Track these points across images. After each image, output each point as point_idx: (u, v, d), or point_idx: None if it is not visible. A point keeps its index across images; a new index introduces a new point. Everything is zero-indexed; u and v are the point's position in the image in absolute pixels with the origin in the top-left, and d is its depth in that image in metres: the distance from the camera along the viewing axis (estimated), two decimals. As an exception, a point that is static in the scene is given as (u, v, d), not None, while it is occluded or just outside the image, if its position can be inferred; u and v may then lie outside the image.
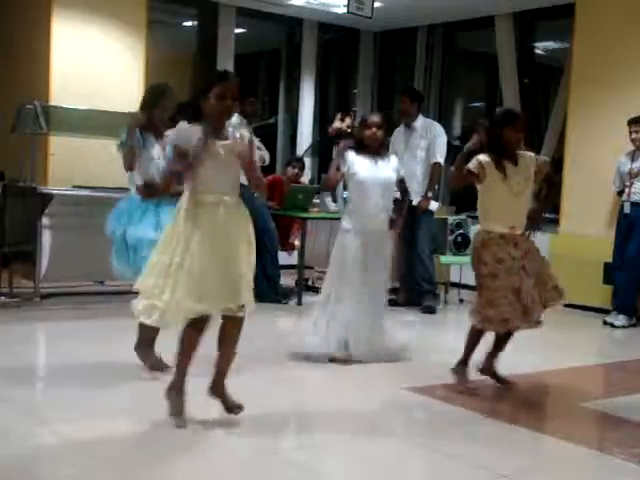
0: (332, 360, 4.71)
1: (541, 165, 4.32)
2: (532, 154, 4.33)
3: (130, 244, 4.17)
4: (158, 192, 3.72)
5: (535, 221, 4.32)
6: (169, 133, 3.53)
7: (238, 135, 3.44)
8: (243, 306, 3.37)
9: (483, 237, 4.23)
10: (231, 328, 3.43)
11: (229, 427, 3.46)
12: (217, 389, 3.51)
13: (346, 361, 4.71)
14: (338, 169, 4.86)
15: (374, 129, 4.84)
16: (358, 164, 4.82)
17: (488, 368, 4.42)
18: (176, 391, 3.45)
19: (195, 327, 3.38)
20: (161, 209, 4.18)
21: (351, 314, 4.75)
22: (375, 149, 4.87)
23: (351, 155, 4.87)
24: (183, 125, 3.40)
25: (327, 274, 4.98)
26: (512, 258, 4.14)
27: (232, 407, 3.49)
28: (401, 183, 5.02)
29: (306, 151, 9.27)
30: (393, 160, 4.97)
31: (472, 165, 4.18)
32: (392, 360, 4.81)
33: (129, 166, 4.29)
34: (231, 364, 3.50)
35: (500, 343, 4.38)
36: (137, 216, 4.21)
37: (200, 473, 3.07)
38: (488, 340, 4.36)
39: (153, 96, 4.40)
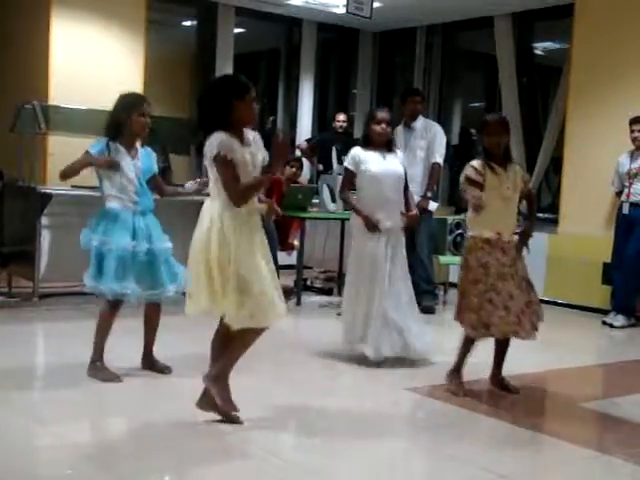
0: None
1: (526, 180, 4.34)
2: (519, 167, 4.36)
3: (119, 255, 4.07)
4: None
5: (526, 240, 4.29)
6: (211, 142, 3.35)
7: (254, 141, 3.44)
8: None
9: (469, 243, 4.23)
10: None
11: (229, 427, 3.45)
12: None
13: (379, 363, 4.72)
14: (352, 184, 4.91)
15: (384, 125, 4.82)
16: (368, 160, 4.82)
17: (495, 380, 4.40)
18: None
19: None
20: (136, 218, 4.16)
21: (384, 311, 4.73)
22: (382, 144, 4.86)
23: (358, 151, 4.88)
24: (222, 135, 3.32)
25: (349, 275, 4.96)
26: (502, 264, 4.13)
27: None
28: (405, 176, 4.99)
29: (308, 139, 9.25)
30: (399, 154, 4.99)
31: (473, 176, 4.16)
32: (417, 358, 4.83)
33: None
34: None
35: (498, 351, 4.37)
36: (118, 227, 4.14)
37: (200, 474, 3.07)
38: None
39: (127, 107, 4.16)
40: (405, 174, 4.98)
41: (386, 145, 4.90)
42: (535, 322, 4.21)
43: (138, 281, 4.09)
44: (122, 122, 4.15)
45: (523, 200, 4.43)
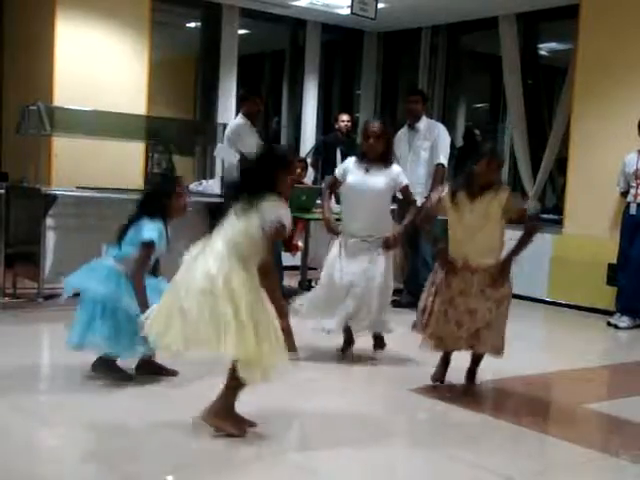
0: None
1: (509, 204, 4.09)
2: (506, 192, 4.14)
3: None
4: None
5: (504, 272, 4.12)
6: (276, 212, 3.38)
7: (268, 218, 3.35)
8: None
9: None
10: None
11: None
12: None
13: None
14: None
15: (372, 140, 4.75)
16: (351, 171, 4.85)
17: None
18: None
19: None
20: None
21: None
22: (374, 158, 4.79)
23: (349, 161, 4.93)
24: (282, 209, 3.39)
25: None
26: (464, 281, 4.12)
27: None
28: (405, 190, 4.90)
29: (309, 152, 9.27)
30: (395, 168, 4.86)
31: (434, 204, 4.26)
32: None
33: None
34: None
35: (472, 360, 4.35)
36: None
37: (201, 475, 3.07)
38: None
39: (170, 185, 4.20)
40: (407, 187, 4.89)
41: (382, 159, 4.80)
42: (498, 345, 4.18)
43: None
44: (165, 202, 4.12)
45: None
